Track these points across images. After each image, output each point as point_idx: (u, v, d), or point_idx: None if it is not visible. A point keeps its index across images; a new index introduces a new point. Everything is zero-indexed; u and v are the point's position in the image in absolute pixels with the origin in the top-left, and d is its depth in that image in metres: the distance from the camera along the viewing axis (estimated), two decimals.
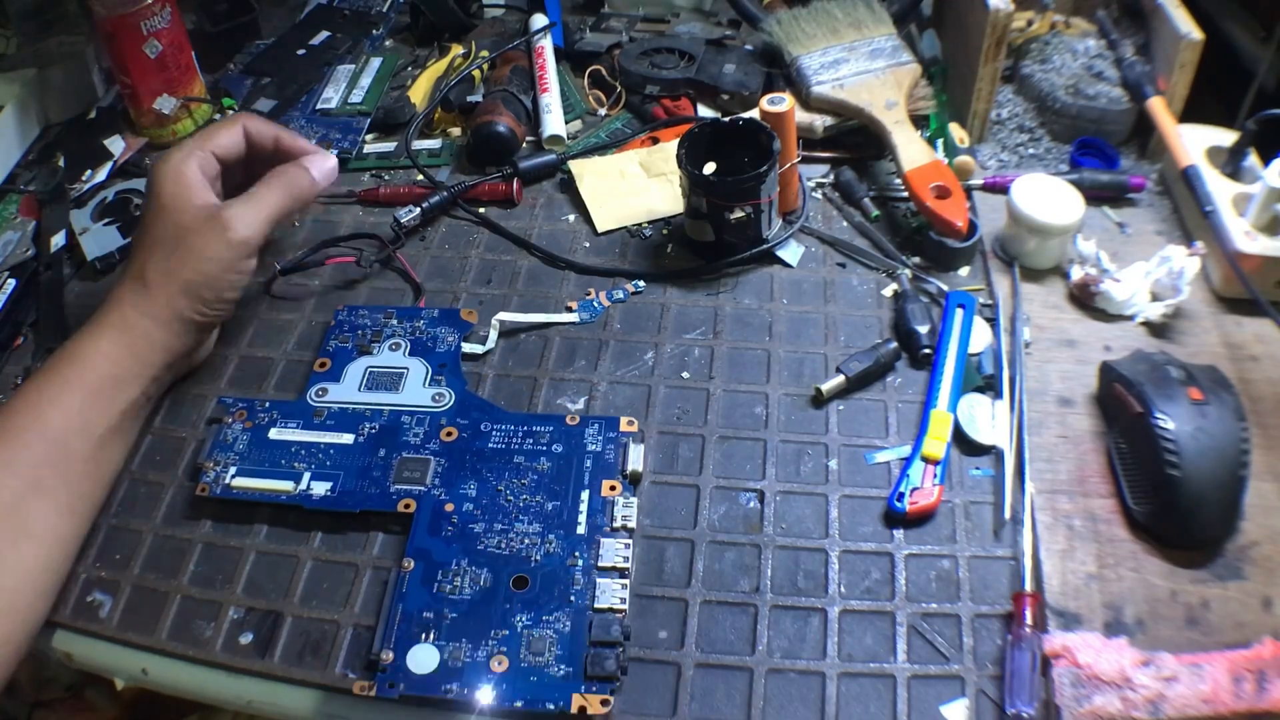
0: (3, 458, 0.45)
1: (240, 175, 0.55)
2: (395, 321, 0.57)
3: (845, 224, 0.64)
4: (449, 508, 0.47)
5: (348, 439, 0.50)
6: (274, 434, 0.50)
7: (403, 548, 0.45)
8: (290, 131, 0.57)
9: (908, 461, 0.49)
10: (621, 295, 0.59)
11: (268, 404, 0.52)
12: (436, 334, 0.56)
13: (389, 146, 0.71)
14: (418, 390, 0.52)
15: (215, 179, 0.53)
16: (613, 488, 0.47)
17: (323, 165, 0.55)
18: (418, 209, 0.63)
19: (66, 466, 0.46)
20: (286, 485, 0.48)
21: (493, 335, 0.56)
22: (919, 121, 0.65)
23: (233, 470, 0.49)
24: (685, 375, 0.54)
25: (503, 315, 0.57)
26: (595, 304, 0.58)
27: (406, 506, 0.47)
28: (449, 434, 0.50)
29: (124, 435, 0.50)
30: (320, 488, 0.48)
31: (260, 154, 0.55)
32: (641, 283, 0.60)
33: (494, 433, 0.50)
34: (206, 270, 0.50)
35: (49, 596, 0.45)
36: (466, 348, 0.55)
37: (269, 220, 0.52)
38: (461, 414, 0.51)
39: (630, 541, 0.45)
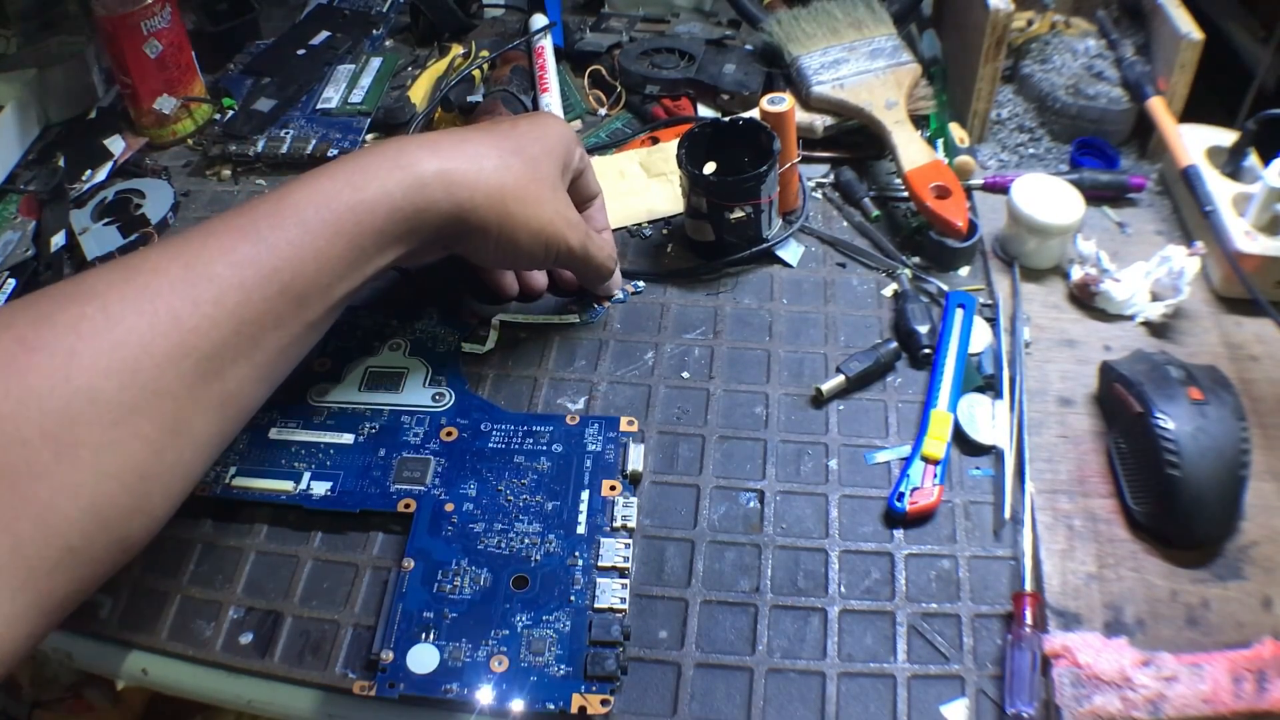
0: (243, 253, 0.39)
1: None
2: (395, 321, 0.57)
3: (845, 224, 0.64)
4: (449, 508, 0.47)
5: (348, 439, 0.50)
6: (274, 434, 0.50)
7: (403, 548, 0.45)
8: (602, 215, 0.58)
9: (908, 461, 0.49)
10: (621, 295, 0.59)
11: (268, 404, 0.52)
12: (436, 334, 0.56)
13: None
14: (418, 390, 0.52)
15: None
16: (613, 488, 0.47)
17: (617, 281, 0.58)
18: None
19: (293, 319, 0.41)
20: (286, 485, 0.48)
21: (493, 335, 0.56)
22: (919, 121, 0.65)
23: (233, 470, 0.49)
24: (685, 375, 0.54)
25: (503, 315, 0.57)
26: (595, 304, 0.58)
27: (406, 506, 0.47)
28: (449, 434, 0.50)
29: (322, 328, 0.44)
30: (320, 487, 0.48)
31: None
32: (641, 283, 0.60)
33: (494, 433, 0.50)
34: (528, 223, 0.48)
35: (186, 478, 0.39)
36: (466, 348, 0.55)
37: (584, 243, 0.51)
38: (461, 414, 0.51)
39: (630, 541, 0.45)
